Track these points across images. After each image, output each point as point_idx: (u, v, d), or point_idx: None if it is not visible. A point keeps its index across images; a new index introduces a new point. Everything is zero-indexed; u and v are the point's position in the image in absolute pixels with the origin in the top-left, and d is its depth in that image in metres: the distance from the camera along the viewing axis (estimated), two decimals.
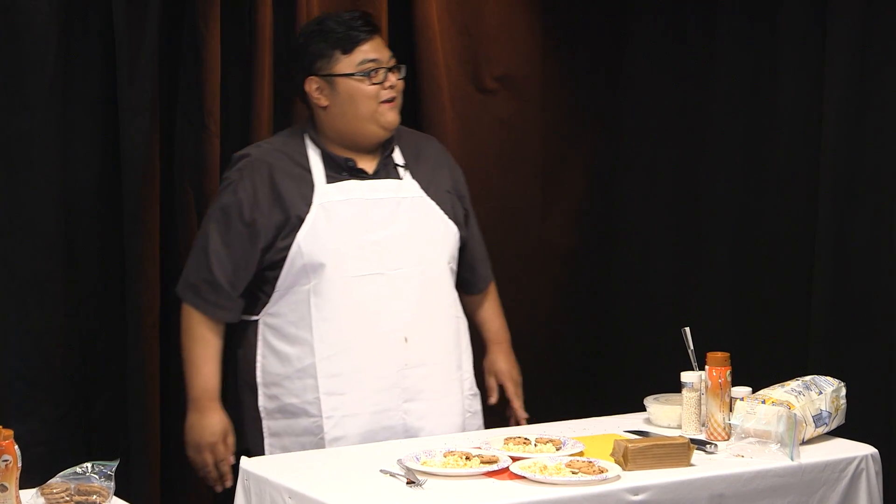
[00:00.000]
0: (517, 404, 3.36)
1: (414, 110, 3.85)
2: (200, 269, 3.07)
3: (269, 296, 3.07)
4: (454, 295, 3.20)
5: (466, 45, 4.00)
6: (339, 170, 3.10)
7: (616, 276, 4.32)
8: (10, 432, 2.30)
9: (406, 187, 3.14)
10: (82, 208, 3.32)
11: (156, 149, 3.35)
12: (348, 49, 3.08)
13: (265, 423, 3.08)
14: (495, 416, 3.36)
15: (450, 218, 3.17)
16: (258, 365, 3.09)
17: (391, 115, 3.12)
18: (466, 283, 3.33)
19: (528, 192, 4.20)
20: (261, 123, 3.52)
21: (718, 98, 3.99)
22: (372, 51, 3.09)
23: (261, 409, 3.08)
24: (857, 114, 3.55)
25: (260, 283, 3.08)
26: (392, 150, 3.17)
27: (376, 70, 3.09)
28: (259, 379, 3.09)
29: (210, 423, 3.07)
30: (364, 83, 3.08)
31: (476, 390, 3.25)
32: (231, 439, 3.10)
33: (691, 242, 4.10)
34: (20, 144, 3.21)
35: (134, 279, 3.32)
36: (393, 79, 3.11)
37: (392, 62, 3.12)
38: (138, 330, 3.32)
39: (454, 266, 3.20)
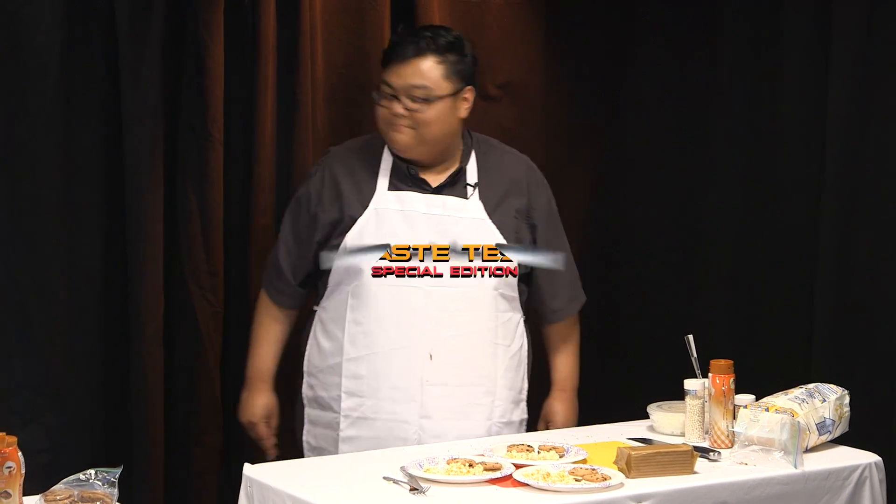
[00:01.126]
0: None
1: None
2: (273, 254, 3.23)
3: (325, 289, 3.15)
4: (500, 321, 3.14)
5: None
6: (405, 178, 3.13)
7: (619, 284, 4.32)
8: (14, 439, 2.30)
9: (469, 207, 3.14)
10: (85, 216, 3.32)
11: (159, 156, 3.35)
12: (384, 65, 3.12)
13: (306, 411, 3.19)
14: None
15: (510, 243, 3.14)
16: (306, 354, 3.20)
17: (394, 137, 3.11)
18: (536, 314, 3.28)
19: None
20: (264, 130, 3.52)
21: (721, 107, 3.99)
22: (394, 74, 3.08)
23: (303, 396, 3.20)
24: (861, 125, 3.56)
25: (320, 276, 3.17)
26: (463, 167, 3.17)
27: (387, 95, 3.09)
28: (305, 367, 3.20)
29: (255, 403, 3.24)
30: (378, 103, 3.11)
31: (512, 419, 3.19)
32: (275, 421, 3.25)
33: (694, 251, 4.10)
34: (23, 153, 3.21)
35: (137, 286, 3.32)
36: (398, 107, 3.08)
37: (412, 92, 3.06)
38: (141, 337, 3.32)
39: (509, 293, 3.15)
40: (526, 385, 3.24)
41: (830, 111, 3.59)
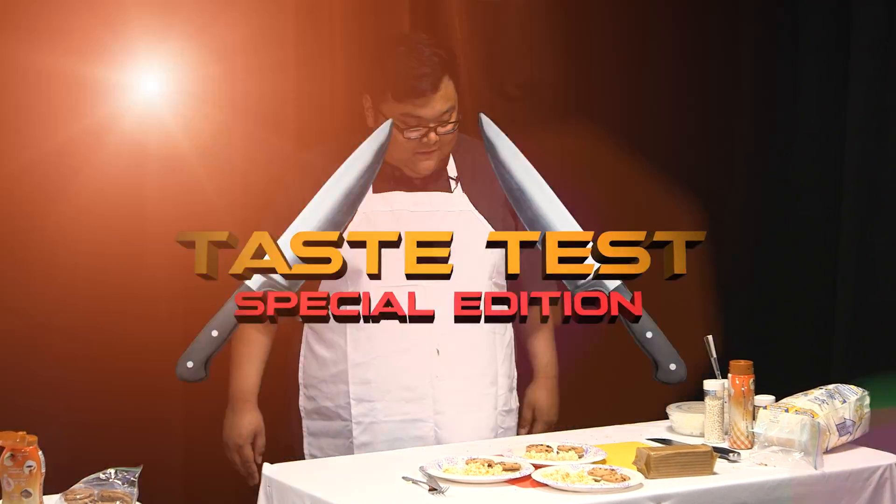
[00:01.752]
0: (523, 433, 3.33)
1: None
2: None
3: None
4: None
5: (489, 52, 4.00)
6: (388, 178, 3.11)
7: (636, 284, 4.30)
8: (34, 438, 2.31)
9: (454, 201, 3.14)
10: (103, 212, 3.33)
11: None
12: (399, 96, 3.04)
13: (305, 423, 3.16)
14: None
15: (498, 230, 3.12)
16: (300, 366, 3.16)
17: (424, 164, 3.10)
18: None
19: None
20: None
21: (740, 107, 3.98)
22: (420, 108, 3.03)
23: (301, 409, 3.16)
24: (880, 125, 3.55)
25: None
26: (446, 163, 3.17)
27: (416, 126, 3.05)
28: (300, 380, 3.16)
29: (241, 423, 3.13)
30: (400, 133, 3.05)
31: (511, 407, 3.24)
32: (260, 441, 3.16)
33: (713, 250, 4.08)
34: None
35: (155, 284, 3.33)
36: (433, 136, 3.06)
37: (442, 118, 3.04)
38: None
39: (500, 282, 3.16)
40: (515, 373, 3.27)
41: (849, 110, 3.58)
